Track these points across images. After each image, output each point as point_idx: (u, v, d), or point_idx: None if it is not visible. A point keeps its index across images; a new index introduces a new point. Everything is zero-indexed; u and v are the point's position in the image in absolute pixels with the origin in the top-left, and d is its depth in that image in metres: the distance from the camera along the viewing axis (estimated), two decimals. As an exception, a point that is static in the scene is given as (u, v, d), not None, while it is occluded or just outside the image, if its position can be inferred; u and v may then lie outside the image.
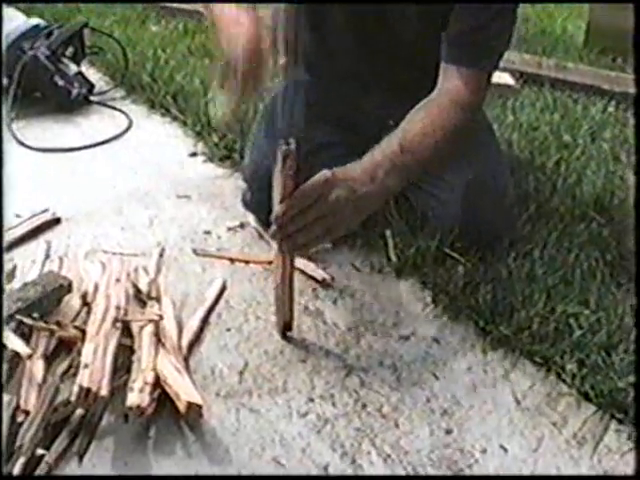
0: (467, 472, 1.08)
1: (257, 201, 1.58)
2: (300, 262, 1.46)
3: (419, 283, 1.48)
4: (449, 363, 1.29)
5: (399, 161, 1.24)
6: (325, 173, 1.19)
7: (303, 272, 1.48)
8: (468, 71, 1.35)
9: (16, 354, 1.18)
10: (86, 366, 1.12)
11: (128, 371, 1.17)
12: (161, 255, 1.49)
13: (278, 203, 1.18)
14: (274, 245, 1.53)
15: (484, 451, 1.12)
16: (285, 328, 1.32)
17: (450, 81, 1.35)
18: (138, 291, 1.36)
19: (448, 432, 1.15)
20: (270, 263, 1.51)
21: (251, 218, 1.65)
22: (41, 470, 1.03)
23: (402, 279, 1.50)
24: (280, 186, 1.17)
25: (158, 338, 1.24)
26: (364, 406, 1.19)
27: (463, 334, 1.36)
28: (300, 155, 1.16)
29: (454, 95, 1.34)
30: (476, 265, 1.44)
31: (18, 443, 1.03)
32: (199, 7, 2.77)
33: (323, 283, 1.47)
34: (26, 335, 1.23)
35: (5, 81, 2.26)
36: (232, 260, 1.54)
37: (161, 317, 1.28)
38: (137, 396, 1.10)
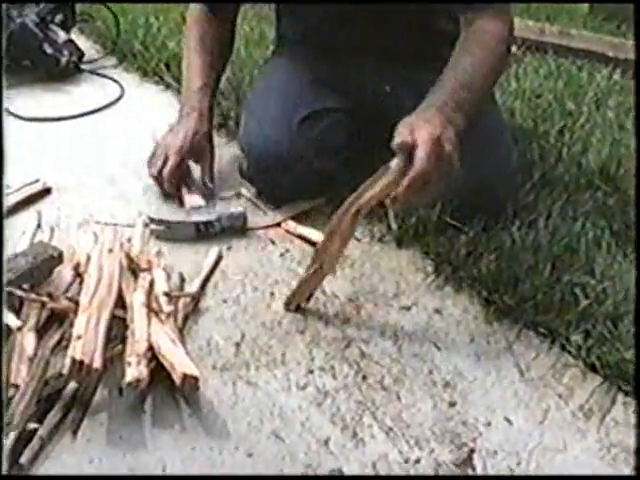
0: (471, 445, 1.05)
1: (253, 170, 1.56)
2: (303, 230, 1.47)
3: (420, 253, 1.45)
4: (451, 334, 1.26)
5: (461, 97, 1.22)
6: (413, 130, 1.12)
7: (305, 239, 1.47)
8: (492, 10, 1.35)
9: (6, 327, 1.14)
10: (79, 338, 1.08)
11: (122, 343, 1.14)
12: (155, 225, 1.46)
13: None
14: (271, 213, 1.53)
15: (488, 424, 1.09)
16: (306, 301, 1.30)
17: (479, 22, 1.35)
18: (131, 261, 1.33)
19: (451, 405, 1.12)
20: (267, 227, 1.51)
21: (247, 187, 1.62)
22: (34, 444, 1.00)
23: (403, 249, 1.47)
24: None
25: (152, 309, 1.20)
26: (365, 378, 1.16)
27: (466, 305, 1.33)
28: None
29: (490, 30, 1.34)
30: (479, 234, 1.41)
31: (7, 418, 1.00)
32: None
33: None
34: (16, 307, 1.20)
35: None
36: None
37: (152, 286, 1.25)
38: (136, 370, 1.06)
